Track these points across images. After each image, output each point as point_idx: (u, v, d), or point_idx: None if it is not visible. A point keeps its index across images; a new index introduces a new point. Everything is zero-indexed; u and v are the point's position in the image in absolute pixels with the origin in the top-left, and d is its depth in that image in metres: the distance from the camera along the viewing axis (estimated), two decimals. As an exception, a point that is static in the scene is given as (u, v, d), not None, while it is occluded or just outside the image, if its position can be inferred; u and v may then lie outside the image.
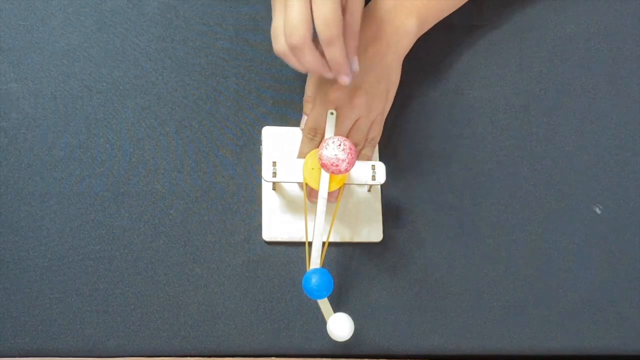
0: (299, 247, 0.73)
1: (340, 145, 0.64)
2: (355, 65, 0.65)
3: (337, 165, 0.64)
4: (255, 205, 0.73)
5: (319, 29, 0.59)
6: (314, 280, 0.63)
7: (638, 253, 0.77)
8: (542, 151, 0.78)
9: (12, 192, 0.71)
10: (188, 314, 0.70)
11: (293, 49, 0.60)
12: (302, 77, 0.74)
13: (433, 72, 0.80)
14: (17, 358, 0.68)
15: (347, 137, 0.71)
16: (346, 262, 0.73)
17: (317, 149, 0.67)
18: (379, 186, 0.74)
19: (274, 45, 0.62)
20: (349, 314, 0.71)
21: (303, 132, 0.72)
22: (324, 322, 0.69)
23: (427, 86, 0.79)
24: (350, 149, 0.64)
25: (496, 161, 0.78)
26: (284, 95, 0.77)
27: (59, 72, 0.75)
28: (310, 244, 0.66)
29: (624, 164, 0.79)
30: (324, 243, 0.66)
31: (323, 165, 0.64)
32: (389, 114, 0.75)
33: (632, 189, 0.79)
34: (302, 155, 0.71)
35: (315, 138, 0.71)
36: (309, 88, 0.74)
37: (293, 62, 0.63)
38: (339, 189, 0.69)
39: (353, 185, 0.74)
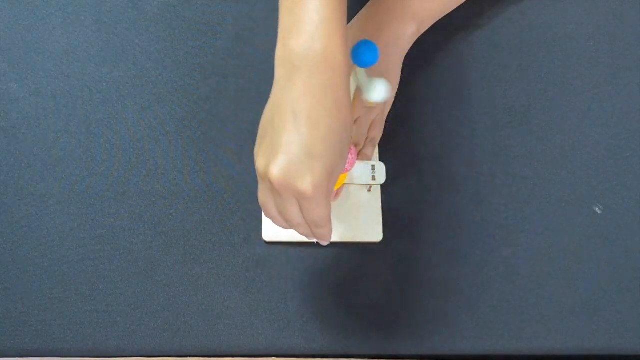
0: (299, 247, 0.73)
1: (340, 145, 0.64)
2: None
3: (337, 165, 0.64)
4: (255, 205, 0.73)
5: (309, 224, 0.56)
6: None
7: (638, 253, 0.77)
8: (542, 151, 0.78)
9: (12, 192, 0.71)
10: (188, 314, 0.70)
11: (291, 226, 0.58)
12: (302, 77, 0.74)
13: (433, 72, 0.80)
14: (17, 358, 0.68)
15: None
16: (346, 262, 0.73)
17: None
18: (379, 186, 0.74)
19: (265, 212, 0.58)
20: (349, 314, 0.71)
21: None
22: (323, 322, 0.70)
23: (427, 86, 0.79)
24: (351, 149, 0.64)
25: (496, 161, 0.78)
26: (284, 95, 0.77)
27: (59, 72, 0.75)
28: None
29: (624, 164, 0.79)
30: None
31: (323, 165, 0.64)
32: (389, 114, 0.75)
33: (632, 189, 0.79)
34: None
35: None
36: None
37: (279, 223, 0.58)
38: (338, 189, 0.69)
39: (353, 185, 0.74)
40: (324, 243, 0.61)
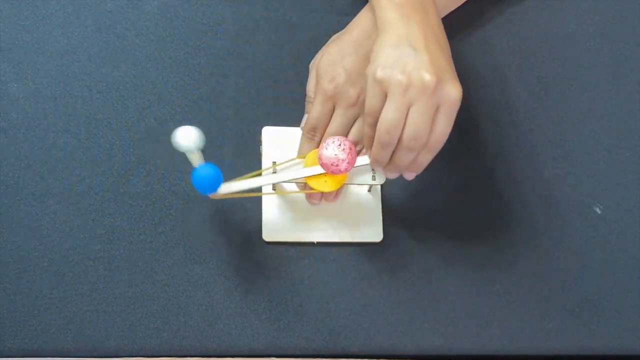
0: (299, 247, 0.73)
1: (340, 145, 0.64)
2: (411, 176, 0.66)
3: (337, 165, 0.64)
4: (255, 205, 0.73)
5: (431, 140, 0.61)
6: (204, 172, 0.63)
7: (638, 253, 0.77)
8: (542, 151, 0.78)
9: (12, 192, 0.71)
10: (188, 314, 0.70)
11: (407, 148, 0.61)
12: (302, 77, 0.74)
13: (433, 72, 0.79)
14: (17, 358, 0.68)
15: (347, 136, 0.72)
16: (346, 262, 0.73)
17: (317, 149, 0.67)
18: (379, 186, 0.74)
19: (384, 135, 0.61)
20: (348, 314, 0.71)
21: (303, 132, 0.72)
22: (323, 322, 0.70)
23: (427, 86, 0.79)
24: (350, 148, 0.64)
25: (496, 161, 0.78)
26: (284, 95, 0.77)
27: (59, 72, 0.75)
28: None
29: (624, 164, 0.79)
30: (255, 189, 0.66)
31: (323, 165, 0.64)
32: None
33: (632, 189, 0.79)
34: (302, 155, 0.71)
35: (315, 138, 0.71)
36: (310, 88, 0.74)
37: (386, 154, 0.62)
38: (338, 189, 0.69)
39: (353, 185, 0.74)
40: (412, 176, 0.65)
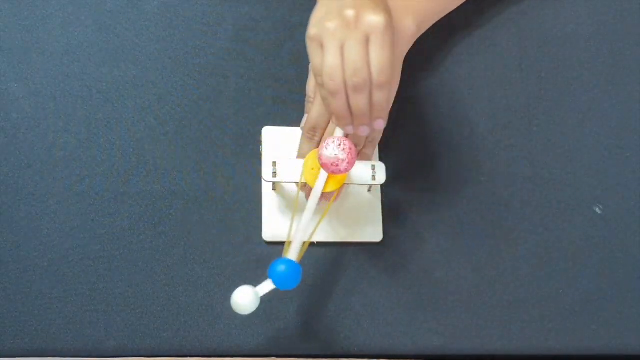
0: (299, 247, 0.73)
1: (340, 145, 0.64)
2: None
3: (337, 165, 0.64)
4: (255, 205, 0.73)
5: (374, 72, 0.61)
6: (281, 268, 0.63)
7: (638, 253, 0.77)
8: (542, 151, 0.78)
9: (12, 192, 0.71)
10: (188, 314, 0.70)
11: (353, 88, 0.61)
12: (302, 77, 0.74)
13: (433, 72, 0.80)
14: (17, 358, 0.68)
15: (347, 136, 0.72)
16: (346, 262, 0.73)
17: (317, 149, 0.67)
18: (379, 186, 0.74)
19: (328, 82, 0.62)
20: (348, 314, 0.71)
21: (303, 132, 0.72)
22: (323, 322, 0.70)
23: (427, 86, 0.79)
24: (350, 149, 0.64)
25: (496, 161, 0.78)
26: (284, 95, 0.77)
27: (59, 72, 0.75)
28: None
29: (624, 164, 0.79)
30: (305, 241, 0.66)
31: (323, 165, 0.64)
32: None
33: (632, 189, 0.79)
34: (302, 155, 0.71)
35: (315, 138, 0.71)
36: (310, 88, 0.74)
37: (341, 103, 0.63)
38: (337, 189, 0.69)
39: (353, 185, 0.74)
40: (381, 124, 0.64)
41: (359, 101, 0.62)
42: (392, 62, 0.61)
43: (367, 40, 0.60)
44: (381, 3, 0.62)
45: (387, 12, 0.61)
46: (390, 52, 0.61)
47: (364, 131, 0.65)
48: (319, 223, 0.67)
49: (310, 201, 0.66)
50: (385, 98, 0.62)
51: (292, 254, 0.64)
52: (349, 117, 0.64)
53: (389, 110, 0.64)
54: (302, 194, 0.73)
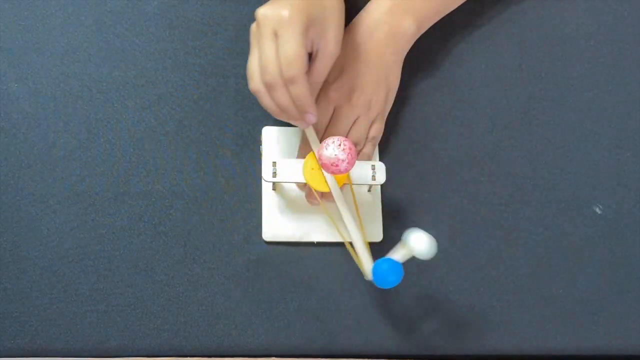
0: (299, 247, 0.73)
1: (340, 145, 0.64)
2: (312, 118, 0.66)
3: (337, 165, 0.64)
4: (255, 205, 0.73)
5: (283, 67, 0.62)
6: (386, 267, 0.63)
7: (638, 253, 0.77)
8: (542, 151, 0.78)
9: (12, 192, 0.71)
10: (188, 314, 0.70)
11: (268, 86, 0.63)
12: (302, 77, 0.74)
13: (433, 72, 0.80)
14: (17, 358, 0.68)
15: (347, 136, 0.72)
16: (346, 262, 0.73)
17: (316, 149, 0.67)
18: (379, 186, 0.74)
19: (249, 83, 0.65)
20: (349, 314, 0.71)
21: (303, 132, 0.72)
22: (323, 322, 0.70)
23: (427, 86, 0.79)
24: (350, 149, 0.64)
25: (496, 161, 0.78)
26: (284, 95, 0.77)
27: (59, 72, 0.75)
28: (351, 244, 0.67)
29: (624, 164, 0.79)
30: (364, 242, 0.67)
31: (323, 166, 0.64)
32: (389, 114, 0.75)
33: (632, 189, 0.79)
34: (302, 155, 0.71)
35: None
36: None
37: (267, 101, 0.65)
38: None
39: (353, 185, 0.74)
40: (310, 117, 0.66)
41: (278, 98, 0.63)
42: (301, 55, 0.62)
43: (276, 36, 0.62)
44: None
45: (294, 5, 0.62)
46: (297, 45, 0.61)
47: (303, 124, 0.67)
48: (360, 224, 0.68)
49: (340, 206, 0.67)
50: (301, 92, 0.63)
51: (366, 258, 0.65)
52: (281, 114, 0.65)
53: (311, 102, 0.65)
54: (301, 194, 0.73)
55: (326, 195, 0.72)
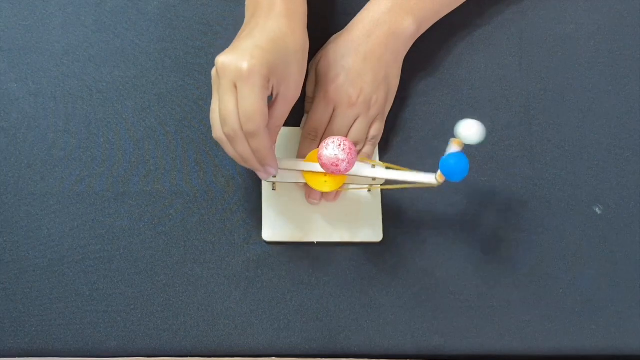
0: (299, 247, 0.73)
1: (340, 145, 0.64)
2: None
3: (337, 165, 0.64)
4: (255, 205, 0.73)
5: (242, 121, 0.60)
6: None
7: (638, 253, 0.77)
8: (542, 151, 0.78)
9: (12, 192, 0.71)
10: (188, 314, 0.70)
11: (228, 137, 0.62)
12: (302, 77, 0.74)
13: (433, 72, 0.79)
14: (17, 358, 0.68)
15: (347, 136, 0.72)
16: (346, 262, 0.73)
17: (317, 149, 0.67)
18: (379, 186, 0.74)
19: (212, 131, 0.64)
20: (349, 314, 0.71)
21: (303, 132, 0.72)
22: (323, 322, 0.70)
23: (427, 86, 0.79)
24: (350, 148, 0.64)
25: (496, 161, 0.78)
26: (284, 95, 0.77)
27: (59, 72, 0.75)
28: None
29: (624, 164, 0.79)
30: None
31: (323, 166, 0.64)
32: (389, 114, 0.75)
33: (632, 189, 0.79)
34: (302, 155, 0.71)
35: (315, 138, 0.71)
36: (309, 88, 0.74)
37: (229, 150, 0.63)
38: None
39: (353, 185, 0.74)
40: (270, 170, 0.64)
41: (238, 149, 0.62)
42: (260, 110, 0.59)
43: (236, 89, 0.59)
44: (250, 47, 0.60)
45: (255, 56, 0.59)
46: (256, 100, 0.59)
47: (264, 176, 0.65)
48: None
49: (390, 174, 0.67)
50: (261, 146, 0.61)
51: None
52: (243, 162, 0.63)
53: (271, 156, 0.63)
54: (301, 194, 0.73)
55: (326, 195, 0.72)
